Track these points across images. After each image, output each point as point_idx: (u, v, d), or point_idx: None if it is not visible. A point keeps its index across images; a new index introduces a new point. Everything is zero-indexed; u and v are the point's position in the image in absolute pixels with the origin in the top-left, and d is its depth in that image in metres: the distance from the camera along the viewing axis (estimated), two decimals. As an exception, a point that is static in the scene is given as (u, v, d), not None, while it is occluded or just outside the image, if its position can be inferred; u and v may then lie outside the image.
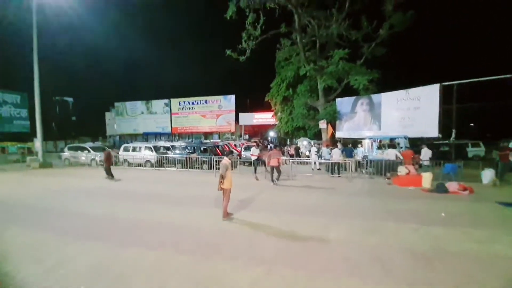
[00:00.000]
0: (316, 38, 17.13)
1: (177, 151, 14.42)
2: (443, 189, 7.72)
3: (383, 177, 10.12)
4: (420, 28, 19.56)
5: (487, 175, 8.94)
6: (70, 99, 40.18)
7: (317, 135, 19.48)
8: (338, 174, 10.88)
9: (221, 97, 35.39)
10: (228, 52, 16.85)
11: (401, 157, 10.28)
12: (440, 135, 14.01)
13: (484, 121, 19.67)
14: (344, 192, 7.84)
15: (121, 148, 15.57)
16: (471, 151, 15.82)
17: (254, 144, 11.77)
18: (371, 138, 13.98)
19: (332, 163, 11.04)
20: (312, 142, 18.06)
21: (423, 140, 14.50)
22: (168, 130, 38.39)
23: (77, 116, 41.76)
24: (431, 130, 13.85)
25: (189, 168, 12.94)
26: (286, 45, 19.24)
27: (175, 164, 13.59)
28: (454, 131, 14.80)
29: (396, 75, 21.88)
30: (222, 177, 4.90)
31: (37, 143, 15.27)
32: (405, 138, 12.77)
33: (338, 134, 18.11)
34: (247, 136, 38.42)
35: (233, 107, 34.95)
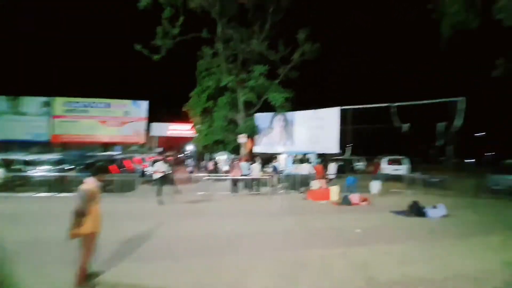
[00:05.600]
0: (238, 52, 17.00)
1: (45, 167, 10.14)
2: (348, 202, 8.32)
3: (298, 192, 10.30)
4: (329, 58, 23.39)
5: (374, 186, 10.52)
6: None
7: (236, 150, 18.93)
8: (258, 190, 10.36)
9: (129, 102, 29.81)
10: (139, 47, 14.11)
11: (313, 171, 10.85)
12: (341, 151, 16.36)
13: (371, 141, 25.35)
14: (267, 212, 7.26)
15: None
16: (357, 165, 19.69)
17: (163, 158, 9.54)
18: (287, 153, 14.58)
19: (251, 179, 10.44)
20: (231, 157, 17.32)
21: (326, 155, 16.42)
22: (45, 137, 28.68)
23: None
24: (333, 146, 15.90)
25: (62, 192, 9.06)
26: (207, 53, 18.06)
27: (38, 186, 9.33)
28: (349, 147, 17.70)
29: (308, 96, 24.65)
30: (81, 214, 2.78)
31: None
32: (316, 154, 13.97)
33: (256, 149, 18.25)
34: (161, 149, 33.86)
35: (145, 114, 30.16)
